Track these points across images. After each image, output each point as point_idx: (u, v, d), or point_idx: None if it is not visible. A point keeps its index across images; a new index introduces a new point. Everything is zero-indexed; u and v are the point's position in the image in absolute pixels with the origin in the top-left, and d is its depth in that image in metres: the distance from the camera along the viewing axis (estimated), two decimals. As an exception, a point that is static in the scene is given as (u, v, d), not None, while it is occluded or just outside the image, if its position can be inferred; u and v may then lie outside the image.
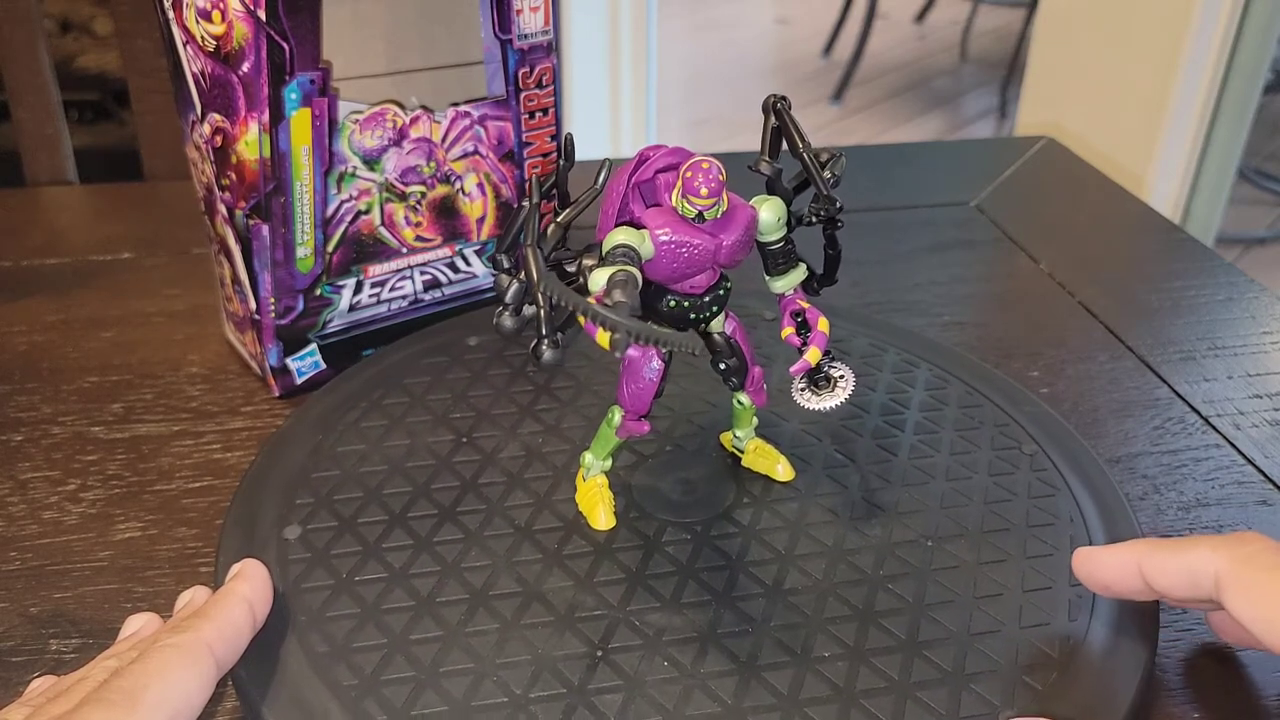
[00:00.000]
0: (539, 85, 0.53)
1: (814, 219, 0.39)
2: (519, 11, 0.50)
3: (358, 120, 0.48)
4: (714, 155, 0.37)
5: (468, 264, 0.56)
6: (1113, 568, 0.37)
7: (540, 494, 0.44)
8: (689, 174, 0.36)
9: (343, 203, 0.50)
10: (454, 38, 0.53)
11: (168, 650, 0.33)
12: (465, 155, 0.53)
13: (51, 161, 0.79)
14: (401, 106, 0.50)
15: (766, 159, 0.39)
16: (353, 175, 0.49)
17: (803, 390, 0.40)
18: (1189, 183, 1.58)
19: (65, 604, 0.41)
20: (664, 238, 0.36)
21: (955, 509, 0.44)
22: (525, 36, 0.51)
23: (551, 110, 0.54)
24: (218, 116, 0.47)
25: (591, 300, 0.32)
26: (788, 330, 0.40)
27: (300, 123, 0.46)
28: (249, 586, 0.37)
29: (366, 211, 0.51)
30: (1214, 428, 0.53)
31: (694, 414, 0.49)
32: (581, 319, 0.32)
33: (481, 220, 0.55)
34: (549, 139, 0.55)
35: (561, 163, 0.39)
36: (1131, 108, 1.55)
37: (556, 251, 0.37)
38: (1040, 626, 0.38)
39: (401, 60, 0.53)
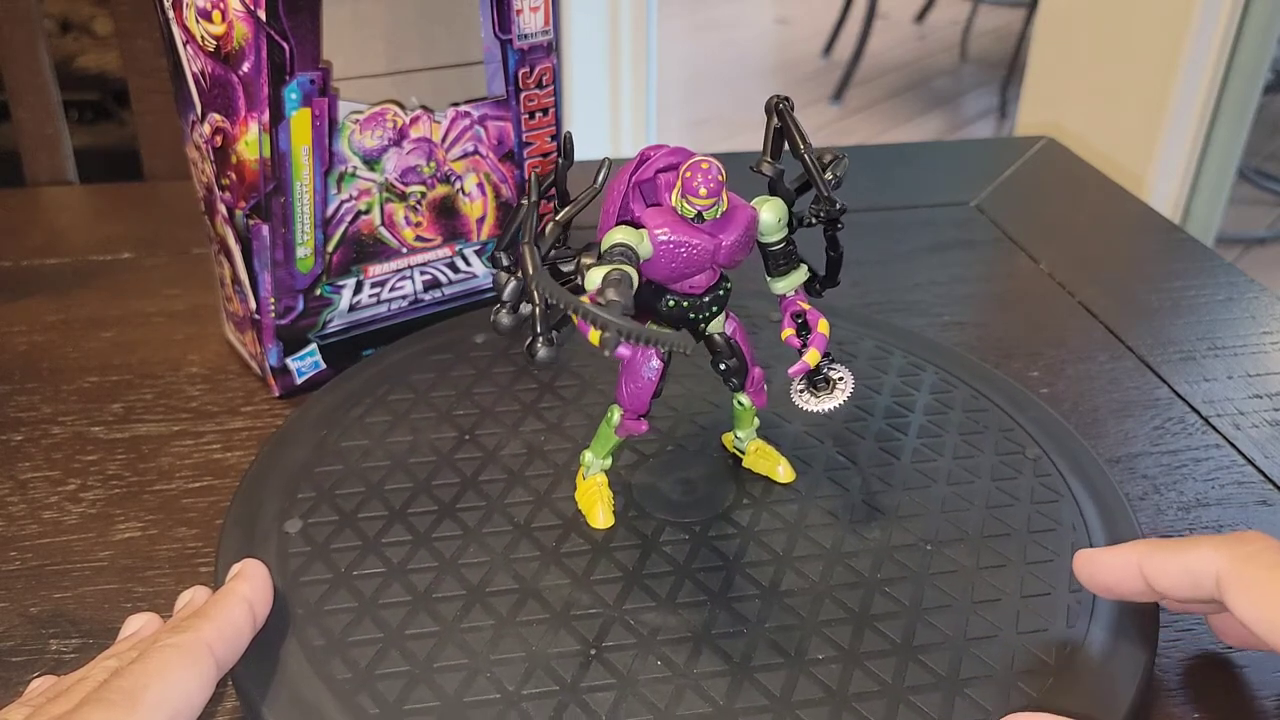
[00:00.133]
0: (539, 85, 0.53)
1: (814, 220, 0.39)
2: (519, 11, 0.50)
3: (358, 120, 0.48)
4: (714, 155, 0.37)
5: (468, 264, 0.56)
6: (1114, 569, 0.37)
7: (540, 492, 0.44)
8: (688, 174, 0.36)
9: (343, 203, 0.50)
10: (454, 38, 0.53)
11: (168, 650, 0.33)
12: (465, 155, 0.53)
13: (51, 161, 0.79)
14: (401, 106, 0.50)
15: (768, 160, 0.39)
16: (353, 175, 0.49)
17: (801, 392, 0.40)
18: (1189, 183, 1.58)
19: (65, 604, 0.41)
20: (663, 237, 0.36)
21: (956, 513, 0.44)
22: (525, 36, 0.51)
23: (551, 110, 0.54)
24: (218, 116, 0.47)
25: (585, 299, 0.32)
26: (788, 332, 0.40)
27: (300, 123, 0.46)
28: (249, 586, 0.37)
29: (366, 211, 0.51)
30: (1214, 428, 0.53)
31: (696, 414, 0.49)
32: (574, 317, 0.32)
33: (481, 220, 0.55)
34: (549, 139, 0.55)
35: (560, 161, 0.39)
36: (1131, 108, 1.55)
37: (556, 250, 0.37)
38: (1038, 632, 0.38)
39: (401, 60, 0.53)
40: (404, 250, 0.53)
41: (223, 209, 0.49)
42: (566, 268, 0.36)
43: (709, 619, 0.38)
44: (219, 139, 0.47)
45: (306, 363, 0.53)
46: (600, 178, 0.37)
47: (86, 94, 1.32)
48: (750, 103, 2.86)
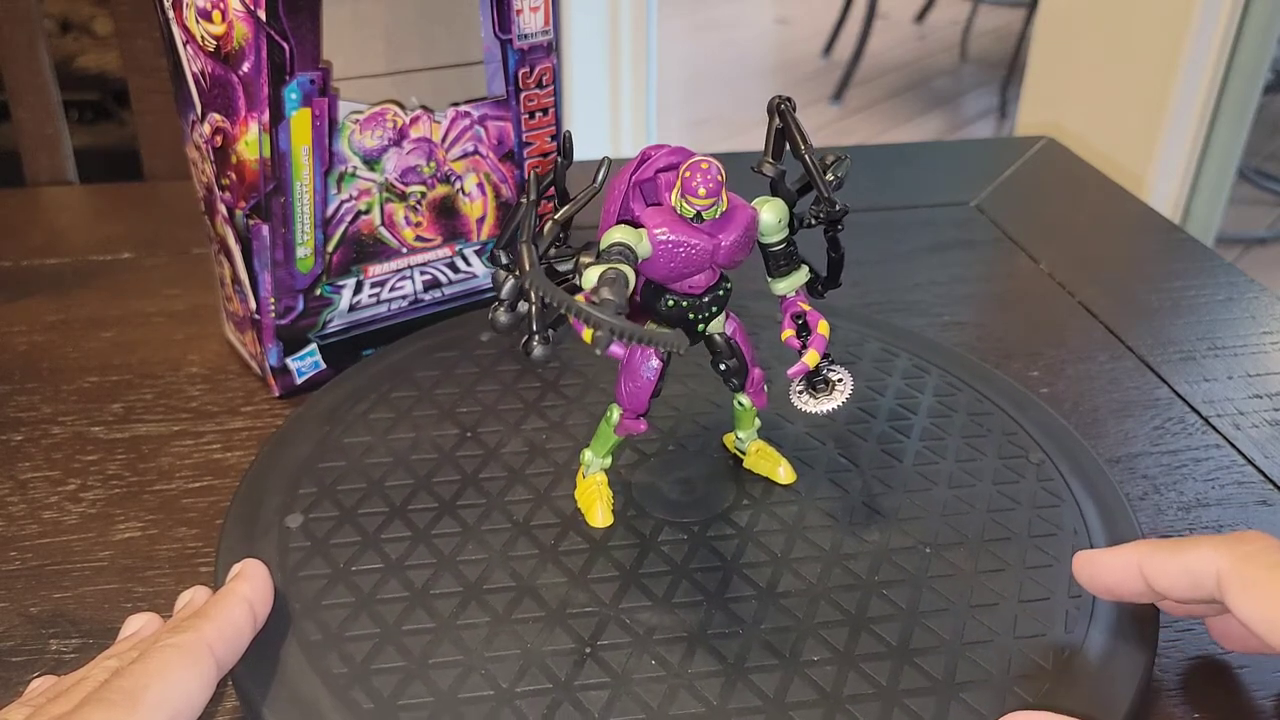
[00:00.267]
0: (539, 85, 0.53)
1: (814, 221, 0.39)
2: (519, 11, 0.50)
3: (358, 120, 0.48)
4: (714, 155, 0.37)
5: (468, 264, 0.56)
6: (1114, 570, 0.37)
7: (540, 490, 0.44)
8: (687, 174, 0.36)
9: (343, 203, 0.50)
10: (454, 38, 0.53)
11: (168, 650, 0.33)
12: (465, 155, 0.53)
13: (51, 161, 0.79)
14: (401, 106, 0.50)
15: (770, 160, 0.38)
16: (353, 175, 0.49)
17: (800, 393, 0.40)
18: (1189, 183, 1.58)
19: (65, 604, 0.41)
20: (661, 237, 0.36)
21: (956, 516, 0.43)
22: (525, 36, 0.51)
23: (551, 110, 0.54)
24: (218, 116, 0.47)
25: (580, 298, 0.32)
26: (788, 333, 0.40)
27: (300, 123, 0.46)
28: (249, 586, 0.37)
29: (366, 211, 0.51)
30: (1214, 428, 0.53)
31: (698, 414, 0.49)
32: (569, 316, 0.32)
33: (481, 220, 0.55)
34: (549, 139, 0.55)
35: (560, 160, 0.39)
36: (1131, 108, 1.55)
37: (556, 248, 0.37)
38: (1035, 637, 0.38)
39: (401, 60, 0.53)
40: (404, 250, 0.53)
41: (223, 209, 0.49)
42: (563, 267, 0.36)
43: (705, 619, 0.38)
44: (219, 139, 0.47)
45: (306, 363, 0.53)
46: (600, 177, 0.37)
47: (86, 94, 1.32)
48: (750, 103, 2.86)
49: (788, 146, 0.39)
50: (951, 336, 0.60)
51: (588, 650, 0.37)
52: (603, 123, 1.82)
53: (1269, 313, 0.63)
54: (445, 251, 0.55)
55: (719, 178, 0.35)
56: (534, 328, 0.33)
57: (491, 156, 0.54)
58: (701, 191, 0.35)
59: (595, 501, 0.43)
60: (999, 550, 0.42)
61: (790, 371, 0.39)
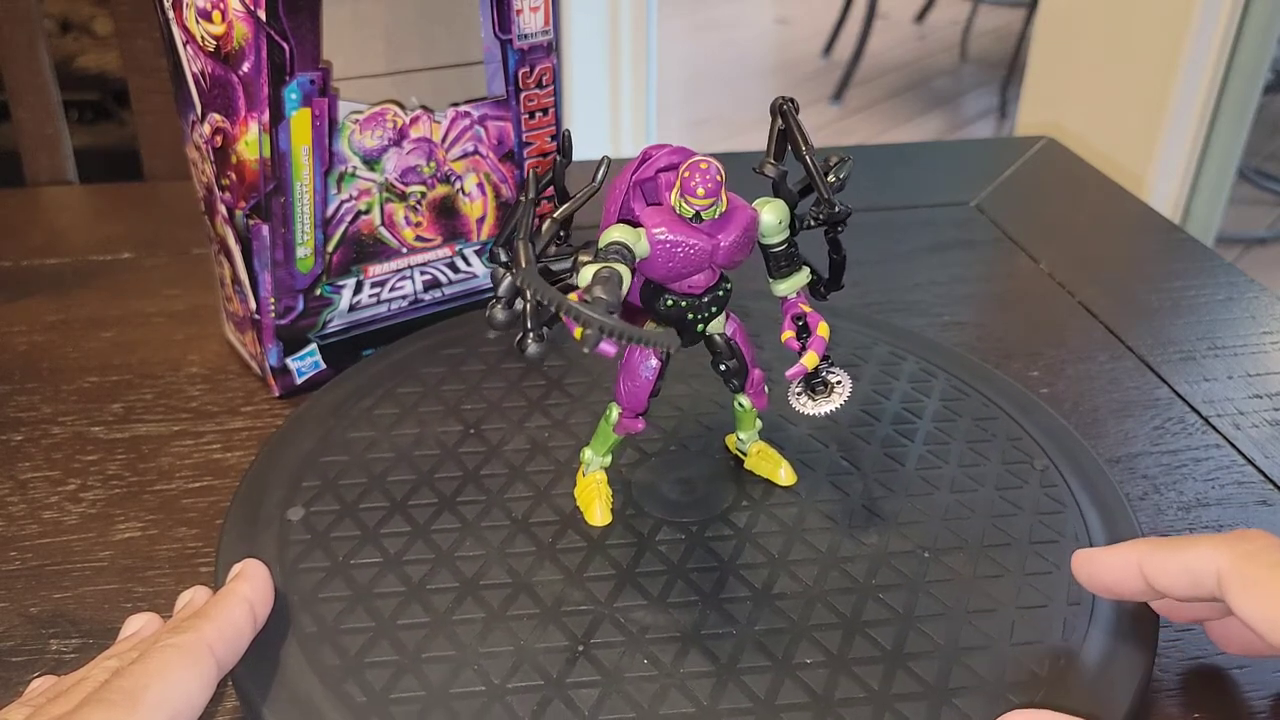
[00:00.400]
0: (539, 85, 0.53)
1: (813, 222, 0.39)
2: (519, 11, 0.50)
3: (358, 120, 0.48)
4: (714, 155, 0.37)
5: (468, 264, 0.56)
6: (1113, 568, 0.36)
7: (540, 487, 0.44)
8: (687, 174, 0.36)
9: (343, 203, 0.50)
10: (454, 38, 0.53)
11: (168, 650, 0.33)
12: (465, 155, 0.53)
13: (51, 161, 0.79)
14: (401, 106, 0.50)
15: (771, 161, 0.38)
16: (353, 175, 0.49)
17: (799, 395, 0.40)
18: (1189, 183, 1.58)
19: (65, 604, 0.41)
20: (660, 236, 0.36)
21: (957, 521, 0.43)
22: (525, 36, 0.51)
23: (551, 110, 0.54)
24: (218, 116, 0.47)
25: (573, 296, 0.32)
26: (788, 334, 0.39)
27: (300, 123, 0.46)
28: (250, 586, 0.37)
29: (366, 211, 0.51)
30: (1214, 428, 0.53)
31: (702, 414, 0.49)
32: (560, 314, 0.33)
33: (481, 220, 0.55)
34: (549, 139, 0.55)
35: (559, 159, 0.39)
36: (1131, 108, 1.55)
37: (557, 247, 0.37)
38: (1031, 644, 0.38)
39: (401, 60, 0.53)
40: (404, 250, 0.53)
41: (223, 209, 0.49)
42: (558, 266, 0.36)
43: (699, 619, 0.38)
44: (219, 139, 0.47)
45: (306, 363, 0.53)
46: (599, 175, 0.37)
47: (86, 94, 1.32)
48: (750, 103, 2.86)
49: (790, 147, 0.39)
50: (951, 336, 0.60)
51: (580, 648, 0.37)
52: (603, 123, 1.82)
53: (1269, 313, 0.63)
54: (445, 251, 0.55)
55: (718, 178, 0.35)
56: (528, 325, 0.33)
57: (491, 156, 0.54)
58: (700, 192, 0.35)
59: (594, 500, 0.43)
60: (998, 556, 0.42)
61: (789, 373, 0.39)
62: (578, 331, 0.32)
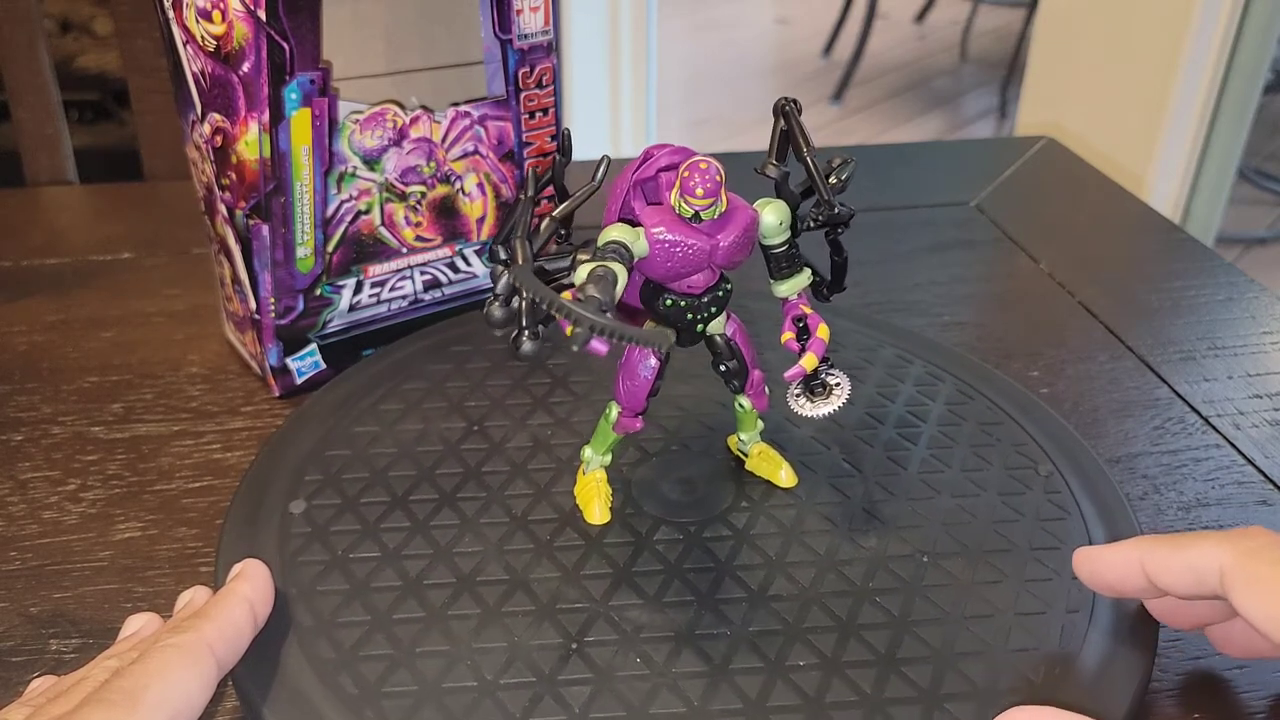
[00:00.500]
0: (539, 85, 0.53)
1: (812, 223, 0.39)
2: (519, 11, 0.50)
3: (358, 120, 0.48)
4: (714, 155, 0.37)
5: (468, 264, 0.56)
6: (1115, 566, 0.36)
7: (541, 485, 0.45)
8: (686, 174, 0.36)
9: (343, 203, 0.50)
10: (454, 38, 0.53)
11: (168, 650, 0.33)
12: (465, 155, 0.53)
13: (51, 161, 0.79)
14: (401, 106, 0.50)
15: (773, 162, 0.38)
16: (353, 175, 0.49)
17: (797, 396, 0.40)
18: (1189, 183, 1.58)
19: (65, 604, 0.41)
20: (659, 236, 0.36)
21: (957, 526, 0.43)
22: (525, 36, 0.51)
23: (551, 110, 0.54)
24: (218, 116, 0.47)
25: (566, 295, 0.32)
26: (788, 335, 0.39)
27: (300, 123, 0.46)
28: (250, 586, 0.37)
29: (366, 211, 0.51)
30: (1214, 428, 0.53)
31: (704, 415, 0.49)
32: (551, 312, 0.33)
33: (481, 220, 0.55)
34: (549, 139, 0.55)
35: (558, 158, 0.39)
36: (1131, 108, 1.55)
37: (558, 245, 0.37)
38: (1027, 651, 0.37)
39: (401, 60, 0.53)
40: (404, 250, 0.53)
41: (223, 209, 0.49)
42: (557, 265, 0.36)
43: (693, 619, 0.38)
44: (219, 139, 0.47)
45: (306, 363, 0.53)
46: (599, 174, 0.37)
47: (86, 94, 1.32)
48: (750, 103, 2.86)
49: (791, 148, 0.39)
50: (951, 336, 0.60)
51: (574, 646, 0.37)
52: (603, 123, 1.82)
53: (1269, 313, 0.63)
54: (445, 251, 0.55)
55: (717, 178, 0.35)
56: (523, 323, 0.33)
57: (491, 156, 0.54)
58: (699, 192, 0.35)
59: (593, 498, 0.43)
60: (998, 561, 0.41)
61: (787, 375, 0.39)
62: (569, 329, 0.32)
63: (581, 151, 0.40)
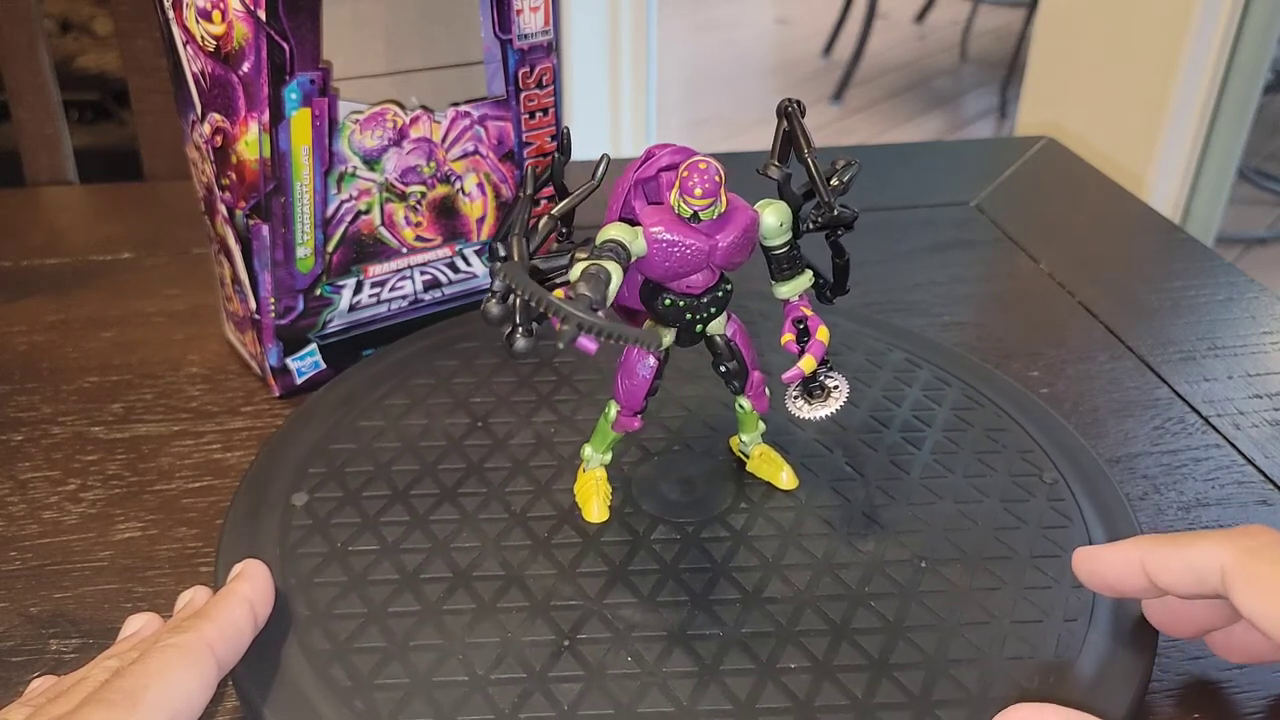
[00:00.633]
0: (539, 85, 0.53)
1: (811, 225, 0.39)
2: (519, 11, 0.50)
3: (358, 120, 0.48)
4: (714, 155, 0.37)
5: (468, 264, 0.56)
6: (1115, 565, 0.36)
7: (541, 482, 0.45)
8: (685, 174, 0.36)
9: (343, 203, 0.50)
10: (454, 38, 0.53)
11: (169, 650, 0.33)
12: (465, 155, 0.53)
13: (51, 161, 0.79)
14: (401, 106, 0.50)
15: (775, 163, 0.38)
16: (353, 175, 0.49)
17: (796, 398, 0.40)
18: (1189, 183, 1.58)
19: (65, 604, 0.41)
20: (657, 235, 0.36)
21: (957, 532, 0.43)
22: (525, 36, 0.51)
23: (551, 110, 0.54)
24: (218, 116, 0.47)
25: (558, 293, 0.32)
26: (787, 337, 0.39)
27: (300, 123, 0.46)
28: (250, 586, 0.37)
29: (366, 211, 0.51)
30: (1214, 428, 0.53)
31: (708, 415, 0.49)
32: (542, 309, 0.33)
33: (481, 220, 0.55)
34: (549, 139, 0.55)
35: (558, 156, 0.39)
36: (1131, 108, 1.55)
37: (559, 244, 0.37)
38: (1023, 659, 0.37)
39: (401, 60, 0.53)
40: (404, 250, 0.53)
41: (223, 209, 0.49)
42: (549, 264, 0.36)
43: (686, 619, 0.38)
44: (219, 139, 0.47)
45: (306, 363, 0.53)
46: (599, 173, 0.37)
47: (86, 94, 1.32)
48: (750, 103, 2.86)
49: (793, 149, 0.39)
50: (951, 336, 0.60)
51: (566, 643, 0.37)
52: (603, 123, 1.82)
53: (1269, 313, 0.63)
54: (445, 251, 0.55)
55: (716, 179, 0.35)
56: (516, 320, 0.34)
57: (491, 156, 0.54)
58: (698, 192, 0.35)
59: (592, 496, 0.43)
60: (997, 568, 0.41)
61: (785, 376, 0.39)
62: (559, 326, 0.32)
63: (581, 151, 0.40)
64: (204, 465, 0.48)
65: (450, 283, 0.56)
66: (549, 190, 0.39)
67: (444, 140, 0.52)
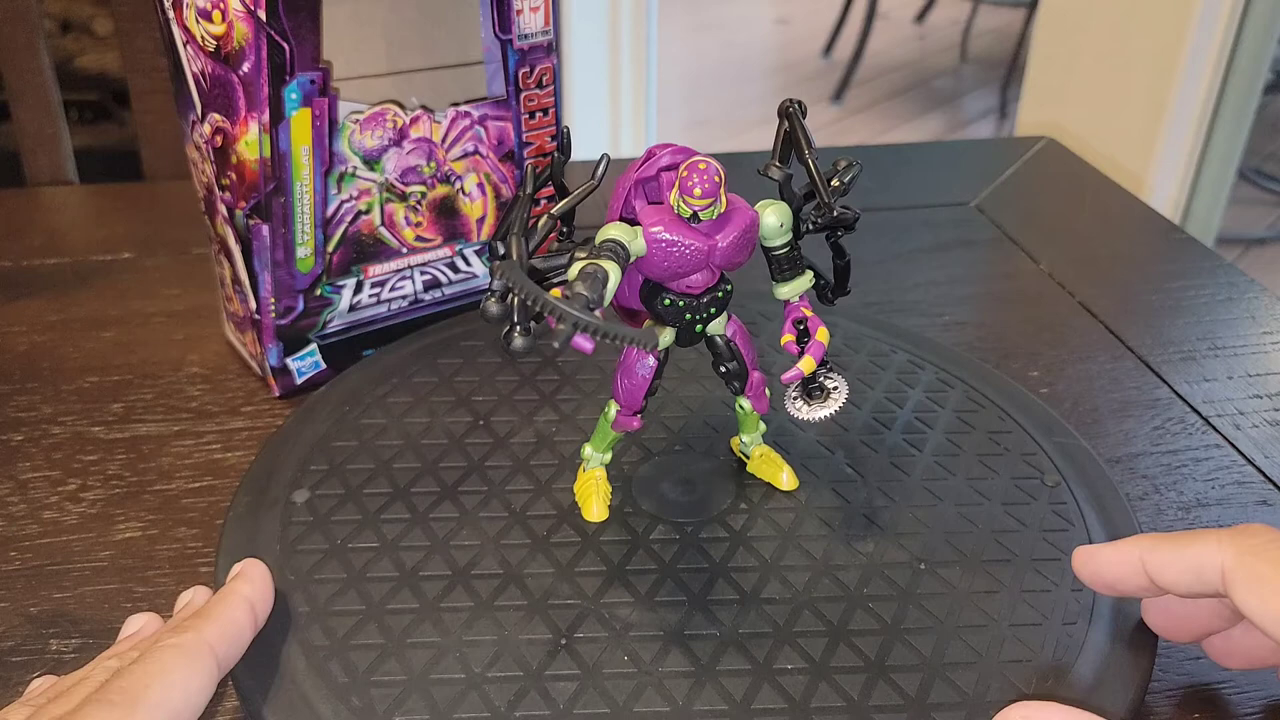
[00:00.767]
0: (539, 85, 0.53)
1: (811, 226, 0.38)
2: (519, 11, 0.50)
3: (358, 120, 0.48)
4: (714, 156, 0.37)
5: (468, 264, 0.56)
6: (1115, 565, 0.36)
7: (541, 481, 0.45)
8: (685, 174, 0.36)
9: (343, 203, 0.50)
10: (454, 38, 0.53)
11: (169, 650, 0.33)
12: (465, 155, 0.53)
13: (51, 161, 0.79)
14: (401, 106, 0.50)
15: (776, 164, 0.38)
16: (353, 175, 0.49)
17: (795, 399, 0.40)
18: (1189, 183, 1.58)
19: (65, 604, 0.41)
20: (656, 235, 0.36)
21: (957, 534, 0.42)
22: (525, 36, 0.51)
23: (551, 110, 0.54)
24: (218, 116, 0.47)
25: (555, 292, 0.32)
26: (787, 338, 0.39)
27: (300, 123, 0.46)
28: (250, 586, 0.37)
29: (366, 211, 0.51)
30: (1214, 428, 0.53)
31: (710, 415, 0.49)
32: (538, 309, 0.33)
33: (481, 220, 0.55)
34: (549, 139, 0.55)
35: (557, 155, 0.39)
36: (1131, 108, 1.55)
37: (559, 243, 0.37)
38: (1020, 663, 0.37)
39: (401, 60, 0.53)
40: (404, 250, 0.53)
41: (223, 209, 0.49)
42: (548, 263, 0.36)
43: (683, 619, 0.38)
44: (219, 139, 0.47)
45: (306, 363, 0.53)
46: (599, 172, 0.37)
47: (86, 94, 1.32)
48: (750, 103, 2.86)
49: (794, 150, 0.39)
50: (951, 336, 0.60)
51: (563, 641, 0.37)
52: (603, 123, 1.82)
53: (1269, 313, 0.63)
54: (445, 251, 0.55)
55: (716, 179, 0.35)
56: (514, 319, 0.34)
57: (491, 156, 0.54)
58: (697, 192, 0.35)
59: (591, 495, 0.43)
60: (996, 571, 0.41)
61: (784, 377, 0.39)
62: (556, 325, 0.32)
63: (581, 151, 0.40)
64: (204, 465, 0.48)
65: (450, 283, 0.56)
66: (549, 190, 0.39)
67: (444, 140, 0.52)
